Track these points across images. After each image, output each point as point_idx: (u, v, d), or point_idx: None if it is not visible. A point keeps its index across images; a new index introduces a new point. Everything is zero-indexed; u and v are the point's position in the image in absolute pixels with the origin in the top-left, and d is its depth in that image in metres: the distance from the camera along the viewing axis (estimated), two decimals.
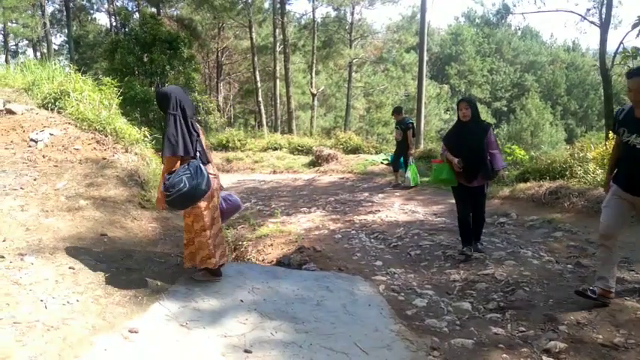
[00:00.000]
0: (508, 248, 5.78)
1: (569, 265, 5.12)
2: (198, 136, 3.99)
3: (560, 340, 3.47)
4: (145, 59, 20.33)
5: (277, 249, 6.47)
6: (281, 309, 3.91)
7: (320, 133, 25.62)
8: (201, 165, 3.84)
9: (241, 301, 3.99)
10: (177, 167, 3.88)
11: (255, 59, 27.92)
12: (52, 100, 7.67)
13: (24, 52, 37.63)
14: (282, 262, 5.79)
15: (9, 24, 30.81)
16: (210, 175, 3.93)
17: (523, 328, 3.76)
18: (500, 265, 5.19)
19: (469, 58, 51.27)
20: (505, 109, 51.79)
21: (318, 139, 19.57)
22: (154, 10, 28.04)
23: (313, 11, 28.70)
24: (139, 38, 20.28)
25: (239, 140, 18.54)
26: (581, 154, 8.70)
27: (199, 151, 3.94)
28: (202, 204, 3.93)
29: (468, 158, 5.22)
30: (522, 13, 18.23)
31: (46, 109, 7.57)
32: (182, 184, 3.68)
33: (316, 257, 5.75)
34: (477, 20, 54.27)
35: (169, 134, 3.83)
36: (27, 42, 36.43)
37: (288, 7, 28.41)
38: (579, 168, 8.21)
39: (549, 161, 9.00)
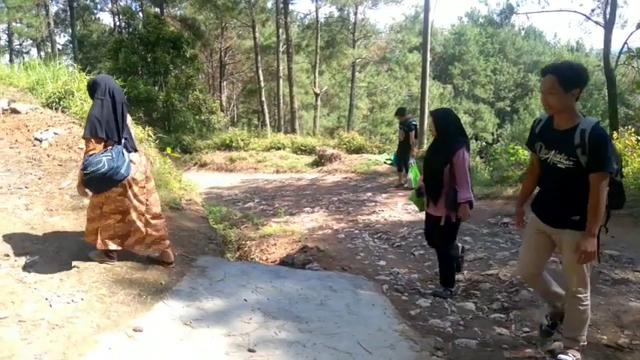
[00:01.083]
0: (512, 248, 5.77)
1: None
2: (124, 121, 3.95)
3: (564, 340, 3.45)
4: (149, 59, 20.39)
5: (281, 248, 6.48)
6: (285, 308, 3.91)
7: (323, 133, 25.60)
8: (124, 151, 3.81)
9: (245, 300, 3.99)
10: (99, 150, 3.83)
11: (259, 59, 27.93)
12: (57, 100, 7.71)
13: (28, 52, 37.81)
14: (286, 262, 5.80)
15: (13, 24, 30.96)
16: (133, 164, 3.92)
17: (527, 329, 3.76)
18: (505, 266, 5.18)
19: (472, 58, 51.13)
20: (508, 109, 51.64)
21: (322, 139, 19.57)
22: (157, 9, 28.08)
23: (316, 11, 28.73)
24: (143, 38, 20.35)
25: (242, 140, 18.55)
26: None
27: (126, 138, 3.92)
28: (118, 189, 3.90)
29: (429, 180, 4.48)
30: (526, 13, 18.25)
31: (51, 108, 7.61)
32: (101, 164, 3.62)
33: (320, 257, 5.76)
34: (480, 20, 54.25)
35: (92, 115, 3.80)
36: (31, 42, 36.58)
37: (291, 7, 28.48)
38: None
39: None
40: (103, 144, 3.82)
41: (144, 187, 4.11)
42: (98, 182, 3.71)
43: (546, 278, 3.34)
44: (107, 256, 4.16)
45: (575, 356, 3.05)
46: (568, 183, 2.89)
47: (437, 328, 3.79)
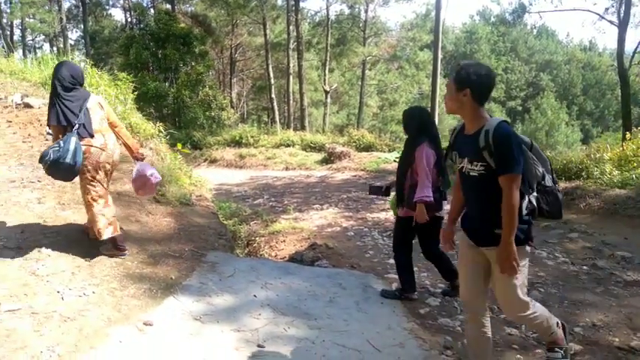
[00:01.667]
0: None
1: (584, 267, 5.06)
2: (81, 108, 3.92)
3: (575, 342, 3.43)
4: (159, 55, 20.50)
5: (290, 245, 6.49)
6: (294, 305, 3.91)
7: (333, 131, 25.60)
8: (72, 138, 3.74)
9: (254, 296, 4.00)
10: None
11: (269, 56, 27.96)
12: None
13: (41, 47, 38.12)
14: (295, 259, 5.80)
15: (27, 19, 31.23)
16: (93, 148, 3.91)
17: None
18: None
19: (484, 57, 50.78)
20: (520, 108, 51.30)
21: (331, 137, 19.55)
22: (168, 6, 28.20)
23: (327, 9, 28.74)
24: (154, 34, 20.45)
25: (252, 137, 18.59)
26: (598, 155, 8.60)
27: (82, 124, 3.88)
28: (87, 176, 3.95)
29: (397, 181, 4.29)
30: (539, 12, 18.12)
31: None
32: (47, 157, 3.65)
33: (329, 254, 5.76)
34: (492, 19, 53.85)
35: (49, 104, 3.91)
36: (44, 37, 36.89)
37: (302, 4, 28.47)
38: (595, 169, 8.12)
39: (565, 162, 8.90)
40: (61, 130, 3.85)
41: (110, 170, 4.12)
42: (53, 173, 3.77)
43: (485, 334, 2.85)
44: (116, 248, 4.18)
45: (560, 348, 2.94)
46: (484, 192, 2.61)
47: (446, 326, 3.78)
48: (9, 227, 4.26)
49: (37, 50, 36.21)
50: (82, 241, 4.28)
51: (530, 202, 2.61)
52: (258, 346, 3.21)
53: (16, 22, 32.10)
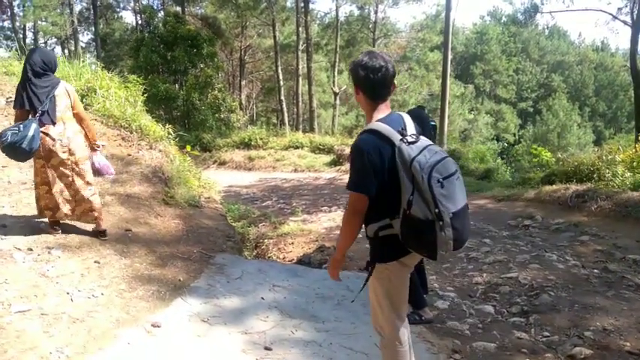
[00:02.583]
0: (533, 251, 5.68)
1: (595, 270, 5.00)
2: (46, 94, 3.98)
3: (585, 346, 3.39)
4: (168, 57, 20.61)
5: (298, 247, 6.49)
6: (301, 307, 3.91)
7: (342, 132, 25.56)
8: (33, 125, 3.82)
9: (262, 298, 4.00)
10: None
11: (278, 57, 28.01)
12: (80, 97, 7.81)
13: (52, 50, 38.52)
14: (303, 261, 5.81)
15: (39, 22, 31.58)
16: (49, 138, 3.96)
17: (547, 333, 3.69)
18: (525, 269, 5.10)
19: (494, 58, 50.48)
20: (531, 109, 50.89)
21: (340, 138, 19.51)
22: (178, 8, 28.36)
23: (337, 10, 28.67)
24: (162, 37, 20.57)
25: (261, 139, 18.62)
26: (610, 157, 8.50)
27: (46, 111, 3.94)
28: (40, 161, 4.04)
29: None
30: (551, 12, 17.99)
31: None
32: (4, 137, 3.74)
33: None
34: (503, 19, 53.52)
35: (17, 87, 4.03)
36: (55, 40, 37.25)
37: (311, 6, 28.48)
38: (607, 171, 8.02)
39: (576, 163, 8.81)
40: (25, 114, 3.94)
41: (68, 159, 4.12)
42: (7, 153, 3.89)
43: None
44: (52, 227, 4.31)
45: None
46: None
47: (455, 330, 3.75)
48: (20, 228, 4.31)
49: None
50: (91, 244, 4.31)
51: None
52: (266, 348, 3.21)
53: (29, 25, 32.49)
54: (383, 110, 2.30)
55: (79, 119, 4.24)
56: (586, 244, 5.90)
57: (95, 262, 4.04)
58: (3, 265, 3.71)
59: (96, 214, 4.35)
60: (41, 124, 3.91)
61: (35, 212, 4.39)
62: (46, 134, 3.96)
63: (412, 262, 2.37)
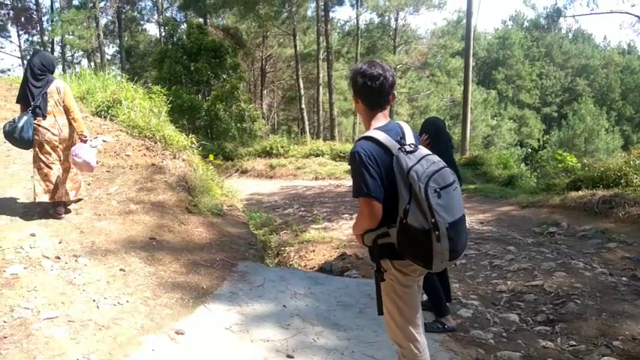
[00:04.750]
0: (558, 259, 5.57)
1: (623, 278, 4.87)
2: (40, 92, 4.64)
3: (614, 355, 3.31)
4: (192, 68, 20.93)
5: (319, 255, 6.49)
6: (323, 315, 3.91)
7: None
8: (24, 117, 4.55)
9: (284, 306, 4.02)
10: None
11: (299, 66, 28.18)
12: (105, 108, 8.02)
13: (79, 63, 39.45)
14: (324, 269, 5.80)
15: (66, 36, 32.45)
16: (42, 128, 4.62)
17: (574, 342, 3.61)
18: (550, 277, 5.00)
19: (517, 63, 49.85)
20: (555, 114, 50.02)
21: None
22: (201, 20, 28.83)
23: (357, 18, 28.73)
24: (186, 48, 20.91)
25: (282, 147, 18.72)
26: (638, 162, 8.30)
27: (37, 106, 4.62)
28: (36, 149, 4.69)
29: None
30: (574, 16, 17.67)
31: (100, 116, 7.92)
32: (4, 128, 4.59)
33: (358, 264, 5.73)
34: (525, 24, 52.88)
35: (20, 84, 4.78)
36: (82, 53, 38.19)
37: (332, 14, 28.63)
38: (635, 176, 7.83)
39: (603, 168, 8.61)
40: (23, 108, 4.67)
41: (58, 146, 4.76)
42: (9, 141, 4.65)
43: None
44: (55, 212, 4.84)
45: None
46: None
47: (478, 339, 3.70)
48: (48, 237, 4.42)
49: (76, 65, 37.52)
50: (117, 252, 4.40)
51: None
52: (288, 356, 3.22)
53: (57, 39, 33.37)
54: (381, 119, 2.30)
55: (66, 112, 4.80)
56: (613, 251, 5.76)
57: (120, 269, 4.12)
58: (32, 273, 3.82)
59: (83, 192, 5.22)
60: (35, 116, 4.61)
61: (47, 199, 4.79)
62: (39, 125, 4.63)
63: (412, 271, 2.32)
